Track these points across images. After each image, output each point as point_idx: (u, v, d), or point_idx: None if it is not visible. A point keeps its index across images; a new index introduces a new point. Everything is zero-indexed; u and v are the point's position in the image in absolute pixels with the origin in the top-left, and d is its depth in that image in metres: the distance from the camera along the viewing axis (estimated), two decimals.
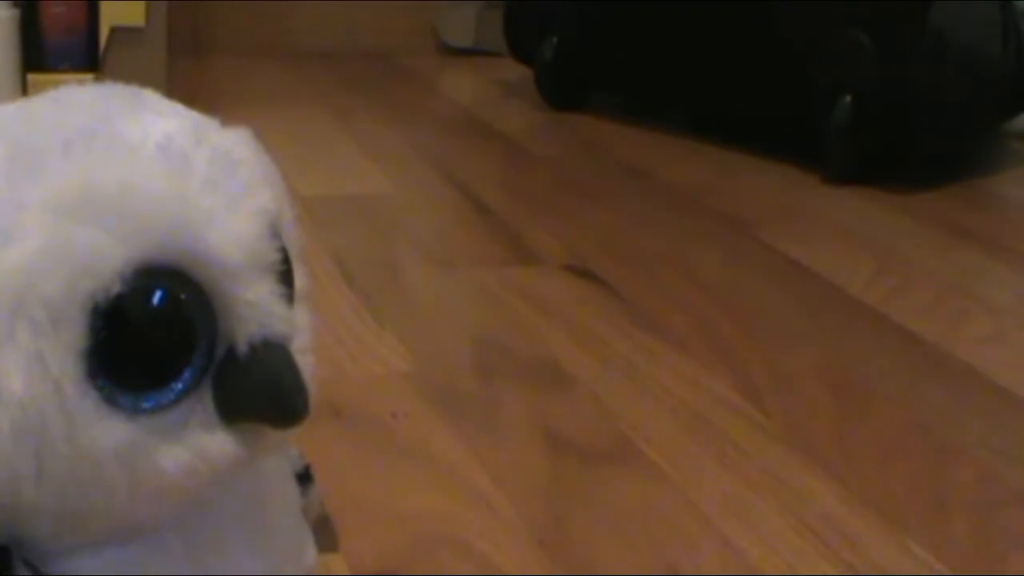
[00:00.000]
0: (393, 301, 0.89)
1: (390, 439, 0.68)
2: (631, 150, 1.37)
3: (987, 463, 0.69)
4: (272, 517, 0.40)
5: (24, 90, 1.21)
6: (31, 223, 0.31)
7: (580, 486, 0.64)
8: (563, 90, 1.54)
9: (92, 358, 0.31)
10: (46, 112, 0.35)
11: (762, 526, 0.61)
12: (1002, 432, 0.73)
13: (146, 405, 0.32)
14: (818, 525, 0.61)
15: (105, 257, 0.31)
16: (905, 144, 1.25)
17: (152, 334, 0.32)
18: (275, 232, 0.35)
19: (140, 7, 1.27)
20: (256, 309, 0.33)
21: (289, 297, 0.35)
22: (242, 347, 0.33)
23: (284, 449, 0.43)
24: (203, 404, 0.33)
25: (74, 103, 0.35)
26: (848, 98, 1.22)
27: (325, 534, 0.56)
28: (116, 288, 0.31)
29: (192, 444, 0.33)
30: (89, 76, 1.21)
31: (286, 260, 0.35)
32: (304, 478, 0.51)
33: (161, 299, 0.32)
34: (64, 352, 0.31)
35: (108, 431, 0.31)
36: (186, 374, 0.33)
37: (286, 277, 0.35)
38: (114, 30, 1.26)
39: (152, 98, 0.37)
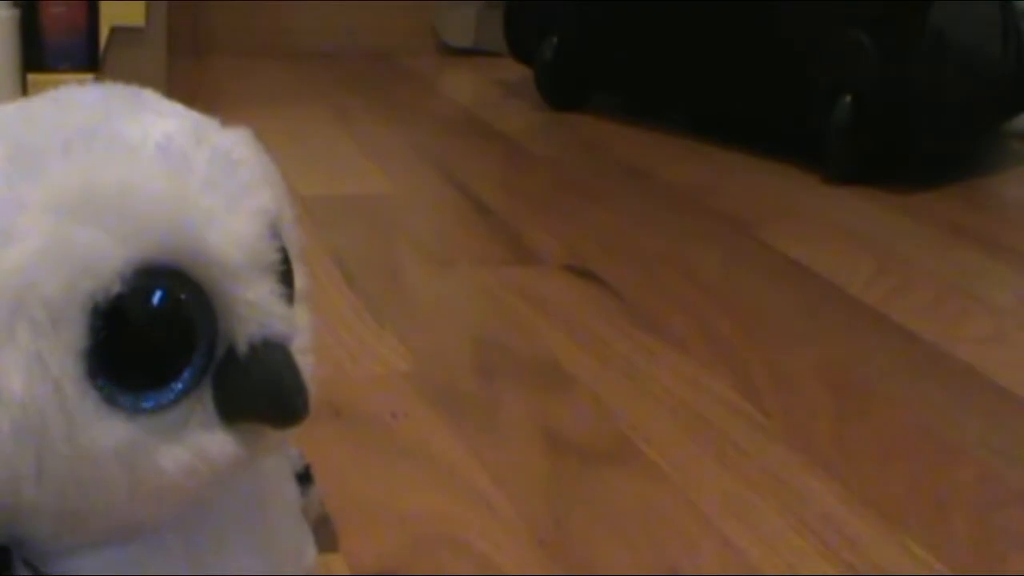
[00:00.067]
0: (393, 301, 0.89)
1: (390, 439, 0.68)
2: (631, 150, 1.37)
3: (987, 463, 0.69)
4: (272, 517, 0.40)
5: (24, 90, 1.21)
6: (31, 223, 0.31)
7: (580, 486, 0.64)
8: (563, 90, 1.54)
9: (92, 358, 0.31)
10: (46, 112, 0.35)
11: (762, 526, 0.61)
12: (1002, 432, 0.73)
13: (146, 405, 0.32)
14: (818, 525, 0.61)
15: (105, 257, 0.31)
16: (905, 144, 1.25)
17: (152, 334, 0.32)
18: (275, 232, 0.35)
19: (140, 7, 1.27)
20: (256, 309, 0.33)
21: (289, 297, 0.35)
22: (242, 347, 0.33)
23: (284, 449, 0.43)
24: (203, 404, 0.33)
25: (74, 103, 0.35)
26: (848, 98, 1.22)
27: (325, 534, 0.56)
28: (116, 288, 0.31)
29: (192, 444, 0.33)
30: (89, 76, 1.21)
31: (286, 260, 0.35)
32: (304, 478, 0.51)
33: (161, 299, 0.32)
34: (64, 352, 0.31)
35: (108, 431, 0.31)
36: (186, 374, 0.33)
37: (286, 277, 0.35)
38: (114, 30, 1.26)
39: (152, 98, 0.37)
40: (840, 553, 0.59)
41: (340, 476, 0.62)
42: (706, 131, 1.43)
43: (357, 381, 0.75)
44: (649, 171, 1.29)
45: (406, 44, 1.86)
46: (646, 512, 0.62)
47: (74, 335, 0.31)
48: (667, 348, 0.82)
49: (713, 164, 1.33)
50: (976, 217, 1.19)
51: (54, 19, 1.25)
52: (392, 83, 1.68)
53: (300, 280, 0.36)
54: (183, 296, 0.32)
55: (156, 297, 0.32)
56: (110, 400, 0.31)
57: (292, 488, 0.43)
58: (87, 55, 1.27)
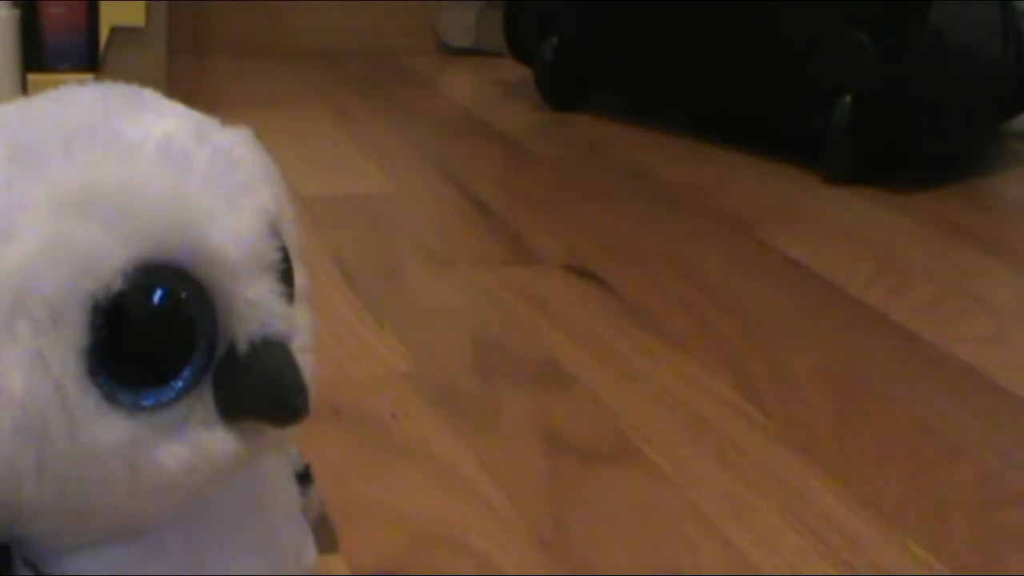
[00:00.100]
0: (393, 301, 0.89)
1: (390, 439, 0.68)
2: (631, 150, 1.37)
3: (987, 463, 0.69)
4: (272, 517, 0.40)
5: (24, 90, 1.21)
6: (32, 222, 0.31)
7: (580, 486, 0.64)
8: (563, 90, 1.54)
9: (93, 356, 0.31)
10: (46, 111, 0.35)
11: (762, 526, 0.61)
12: (1002, 432, 0.73)
13: (147, 403, 0.32)
14: (818, 525, 0.61)
15: (106, 255, 0.31)
16: (905, 144, 1.25)
17: (153, 332, 0.32)
18: (275, 231, 0.35)
19: (140, 7, 1.27)
20: (256, 307, 0.33)
21: (289, 296, 0.35)
22: (242, 345, 0.33)
23: (284, 449, 0.43)
24: (203, 402, 0.33)
25: (74, 102, 0.35)
26: (848, 98, 1.22)
27: (325, 534, 0.56)
28: (117, 286, 0.31)
29: (193, 442, 0.33)
30: (89, 76, 1.21)
31: (286, 259, 0.35)
32: (304, 478, 0.51)
33: (162, 297, 0.32)
34: (65, 350, 0.31)
35: (109, 429, 0.31)
36: (186, 372, 0.33)
37: (286, 276, 0.35)
38: (114, 30, 1.26)
39: (152, 98, 0.37)
40: (840, 553, 0.59)
41: (340, 476, 0.62)
42: (706, 131, 1.43)
43: (357, 381, 0.75)
44: (649, 171, 1.29)
45: (406, 44, 1.86)
46: (646, 512, 0.62)
47: (75, 333, 0.31)
48: (667, 348, 0.82)
49: (713, 164, 1.33)
50: (976, 217, 1.19)
51: (54, 19, 1.25)
52: (392, 83, 1.68)
53: (300, 279, 0.37)
54: (184, 294, 0.32)
55: (157, 295, 0.32)
56: (111, 398, 0.32)
57: (292, 488, 0.43)
58: (87, 55, 1.27)
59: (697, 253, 1.03)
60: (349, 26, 1.84)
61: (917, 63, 1.19)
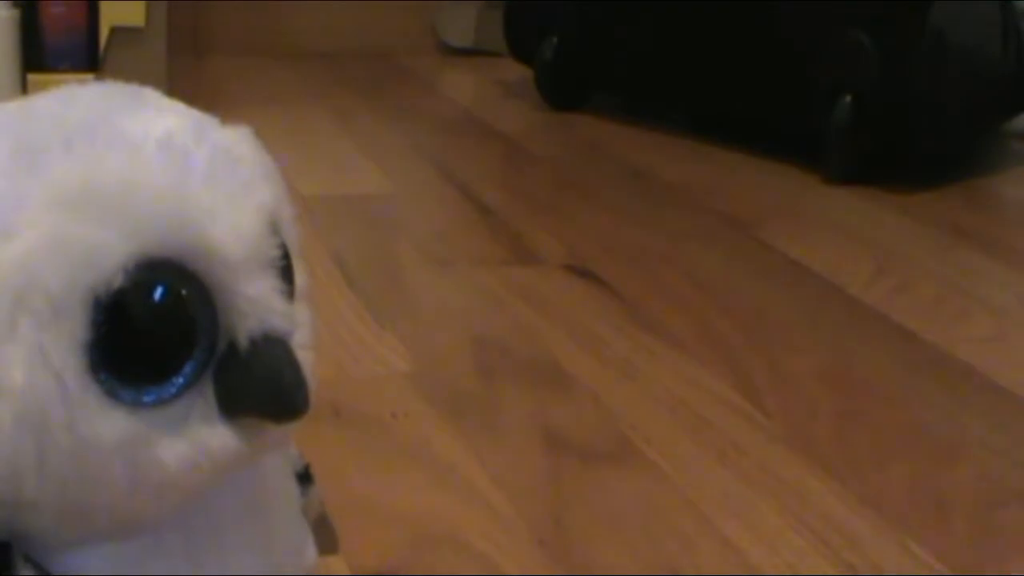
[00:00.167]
0: (393, 301, 0.89)
1: (390, 439, 0.68)
2: (631, 150, 1.37)
3: (987, 463, 0.69)
4: (272, 517, 0.40)
5: (24, 90, 1.21)
6: (32, 219, 0.31)
7: (580, 486, 0.64)
8: (563, 90, 1.54)
9: (93, 352, 0.31)
10: (47, 110, 0.35)
11: (762, 526, 0.61)
12: (1002, 432, 0.73)
13: (147, 399, 0.32)
14: (818, 525, 0.61)
15: (106, 252, 0.31)
16: (905, 144, 1.25)
17: (153, 328, 0.32)
18: (275, 229, 0.35)
19: (140, 7, 1.27)
20: (257, 304, 0.33)
21: (289, 293, 0.35)
22: (243, 342, 0.33)
23: (285, 448, 0.43)
24: (204, 398, 0.33)
25: (75, 100, 0.35)
26: (848, 98, 1.22)
27: (325, 534, 0.56)
28: (118, 282, 0.31)
29: (193, 438, 0.33)
30: (89, 76, 1.21)
31: (286, 256, 0.35)
32: (304, 478, 0.51)
33: (162, 294, 0.32)
34: (66, 345, 0.31)
35: (109, 424, 0.31)
36: (187, 368, 0.33)
37: (286, 273, 0.35)
38: (114, 30, 1.26)
39: (153, 96, 0.37)
40: (840, 553, 0.59)
41: (340, 476, 0.62)
42: (706, 131, 1.43)
43: (357, 381, 0.75)
44: (649, 171, 1.29)
45: (406, 44, 1.86)
46: (646, 512, 0.62)
47: (76, 328, 0.31)
48: (667, 348, 0.82)
49: (713, 164, 1.33)
50: (976, 217, 1.19)
51: (54, 19, 1.25)
52: (392, 83, 1.68)
53: (300, 277, 0.36)
54: (184, 291, 0.32)
55: (158, 292, 0.32)
56: (111, 394, 0.31)
57: (292, 488, 0.43)
58: (87, 55, 1.27)
59: (697, 253, 1.03)
60: (349, 26, 1.84)
61: (917, 63, 1.19)
